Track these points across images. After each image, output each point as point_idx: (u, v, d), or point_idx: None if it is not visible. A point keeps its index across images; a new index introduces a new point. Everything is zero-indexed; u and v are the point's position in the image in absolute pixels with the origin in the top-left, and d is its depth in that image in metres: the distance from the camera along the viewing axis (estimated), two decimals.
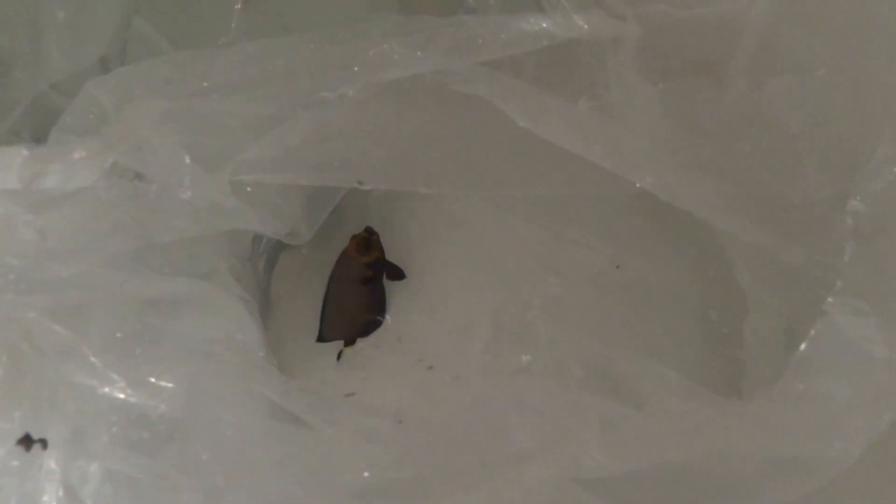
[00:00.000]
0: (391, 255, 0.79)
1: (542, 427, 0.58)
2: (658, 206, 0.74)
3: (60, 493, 0.52)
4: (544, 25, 0.64)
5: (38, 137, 0.65)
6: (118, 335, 0.59)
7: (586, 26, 0.64)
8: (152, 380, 0.56)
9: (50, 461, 0.53)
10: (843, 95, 0.61)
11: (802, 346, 0.53)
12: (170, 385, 0.58)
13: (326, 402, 0.63)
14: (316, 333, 0.80)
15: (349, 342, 0.77)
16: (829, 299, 0.51)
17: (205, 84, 0.66)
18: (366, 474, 0.57)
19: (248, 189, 0.71)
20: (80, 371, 0.55)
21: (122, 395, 0.56)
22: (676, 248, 0.78)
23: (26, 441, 0.54)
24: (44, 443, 0.54)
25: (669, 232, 0.78)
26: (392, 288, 0.80)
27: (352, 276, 0.78)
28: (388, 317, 0.77)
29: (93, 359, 0.55)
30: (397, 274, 0.79)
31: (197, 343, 0.62)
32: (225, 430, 0.60)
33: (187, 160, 0.65)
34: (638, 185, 0.65)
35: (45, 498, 0.52)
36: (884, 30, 0.60)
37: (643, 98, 0.65)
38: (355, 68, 0.65)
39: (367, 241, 0.77)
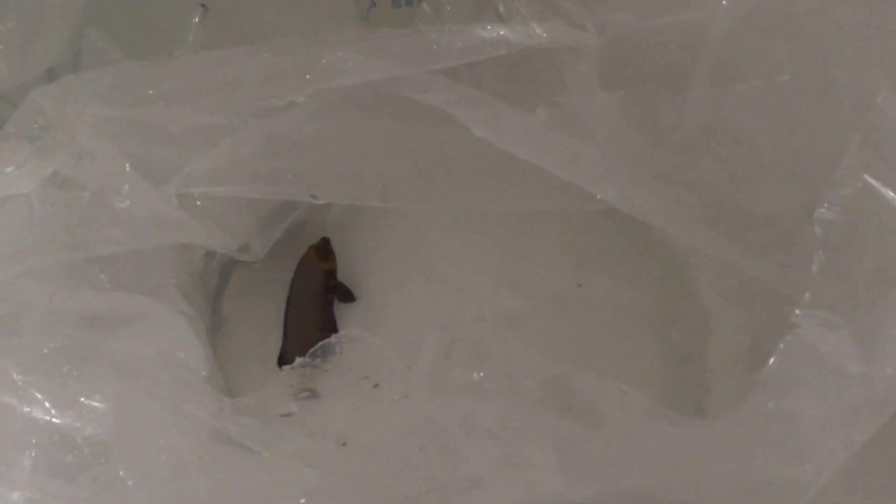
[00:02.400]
0: (346, 273, 0.75)
1: (495, 449, 0.54)
2: (622, 224, 0.73)
3: None
4: (502, 33, 0.60)
5: None
6: (45, 351, 0.55)
7: (545, 35, 0.60)
8: (81, 399, 0.52)
9: None
10: (808, 102, 0.57)
11: (771, 362, 0.49)
12: (99, 405, 0.53)
13: (264, 423, 0.58)
14: (269, 354, 0.74)
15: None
16: (798, 312, 0.47)
17: (151, 92, 0.62)
18: (302, 501, 0.51)
19: (198, 203, 0.67)
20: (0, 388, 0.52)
21: (45, 416, 0.51)
22: (639, 267, 0.74)
23: None
24: None
25: (633, 250, 0.75)
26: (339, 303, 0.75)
27: (313, 285, 0.73)
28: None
29: (15, 375, 0.51)
30: (347, 296, 0.75)
31: (133, 361, 0.57)
32: (156, 453, 0.54)
33: (127, 168, 0.61)
34: (599, 196, 0.61)
35: None
36: (846, 35, 0.56)
37: (602, 106, 0.61)
38: (307, 76, 0.61)
39: (326, 248, 0.74)
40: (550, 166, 0.60)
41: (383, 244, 0.78)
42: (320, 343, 0.65)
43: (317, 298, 0.74)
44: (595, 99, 0.61)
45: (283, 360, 0.72)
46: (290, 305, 0.74)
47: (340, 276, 0.75)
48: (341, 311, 0.75)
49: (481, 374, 0.64)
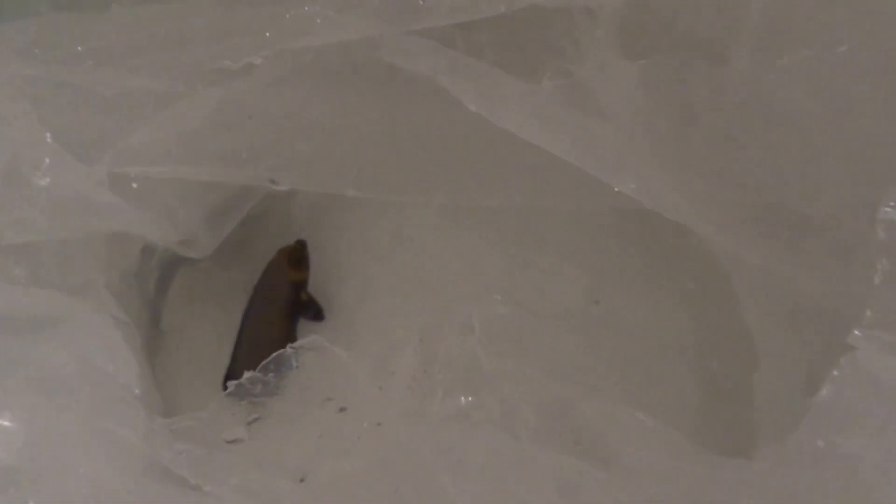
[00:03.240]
0: (313, 278, 0.76)
1: (485, 491, 0.54)
2: (647, 226, 0.74)
3: None
4: None
5: None
6: None
7: None
8: None
9: None
10: (871, 79, 0.56)
11: (822, 392, 0.48)
12: (7, 423, 0.54)
13: (206, 451, 0.57)
14: (218, 371, 0.75)
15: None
16: (856, 332, 0.47)
17: (79, 49, 0.62)
18: None
19: (134, 185, 0.67)
20: None
21: None
22: (669, 281, 0.75)
23: None
24: None
25: (661, 259, 0.75)
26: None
27: (278, 296, 0.75)
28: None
29: None
30: (316, 314, 0.76)
31: (51, 372, 0.57)
32: (75, 484, 0.54)
33: (48, 139, 0.60)
34: (617, 189, 0.61)
35: None
36: None
37: (622, 79, 0.61)
38: (267, 33, 0.61)
39: (300, 254, 0.75)
40: (560, 151, 0.60)
41: (357, 243, 0.79)
42: (274, 355, 0.65)
43: (281, 313, 0.75)
44: (614, 70, 0.61)
45: (233, 378, 0.71)
46: (248, 317, 0.75)
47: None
48: (306, 324, 0.76)
49: (469, 398, 0.64)
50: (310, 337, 0.63)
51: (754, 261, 0.64)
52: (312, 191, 0.69)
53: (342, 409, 0.64)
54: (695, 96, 0.61)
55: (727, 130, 0.62)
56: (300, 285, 0.74)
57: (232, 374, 0.73)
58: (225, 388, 0.70)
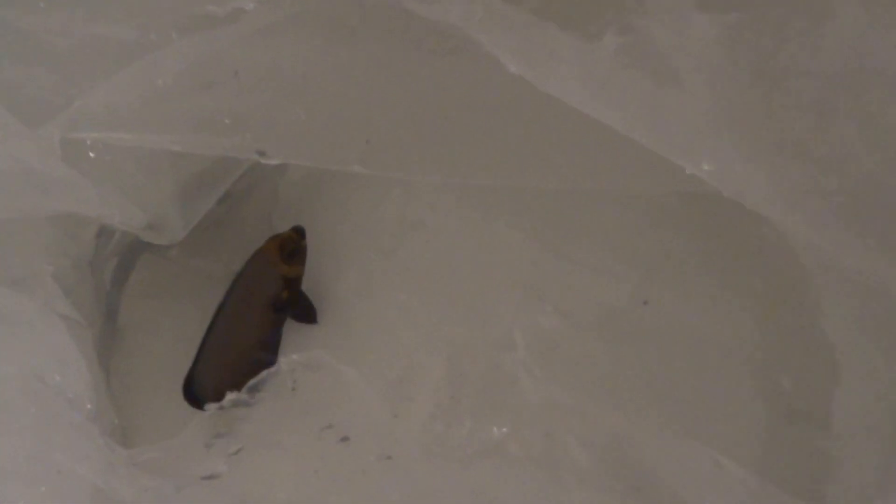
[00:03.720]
0: (306, 272, 0.75)
1: None
2: (713, 215, 0.72)
3: None
4: None
5: None
6: None
7: None
8: None
9: None
10: None
11: None
12: None
13: (175, 487, 0.56)
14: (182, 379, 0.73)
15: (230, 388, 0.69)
16: None
17: None
18: None
19: (91, 154, 0.65)
20: None
21: None
22: (734, 279, 0.73)
23: None
24: None
25: (727, 255, 0.73)
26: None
27: (263, 292, 0.73)
28: (279, 358, 0.70)
29: None
30: (307, 314, 0.75)
31: None
32: None
33: None
34: (688, 171, 0.58)
35: None
36: None
37: (700, 37, 0.57)
38: None
39: (295, 245, 0.73)
40: (617, 124, 0.57)
41: (359, 230, 0.77)
42: (262, 374, 0.63)
43: (263, 312, 0.74)
44: (688, 25, 0.58)
45: (194, 389, 0.72)
46: (221, 314, 0.73)
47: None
48: (294, 329, 0.74)
49: (504, 429, 0.62)
50: (312, 351, 0.62)
51: (846, 260, 0.61)
52: (308, 166, 0.67)
53: (344, 440, 0.62)
54: (789, 60, 0.58)
55: (826, 103, 0.59)
56: (292, 283, 0.72)
57: (193, 380, 0.72)
58: (188, 398, 0.70)
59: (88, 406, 0.62)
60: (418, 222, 0.77)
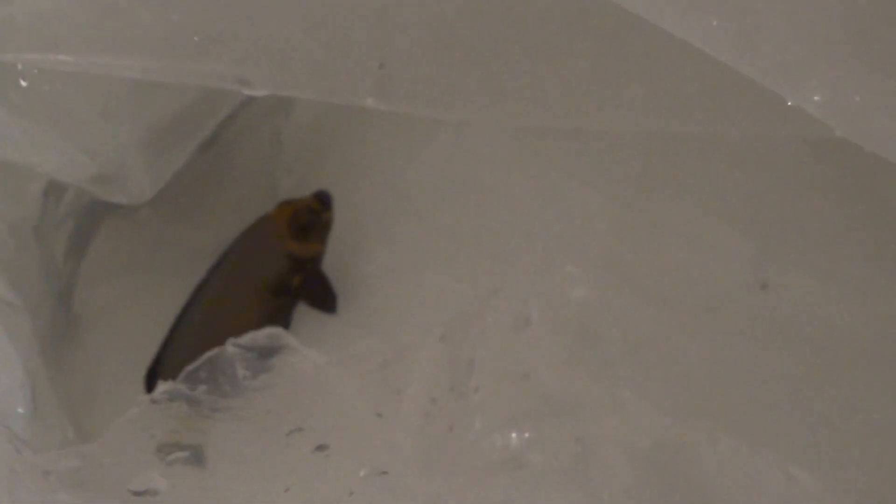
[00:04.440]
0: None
1: None
2: (851, 172, 0.70)
3: None
4: None
5: None
6: None
7: None
8: None
9: None
10: None
11: None
12: None
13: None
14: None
15: None
16: None
17: None
18: None
19: (23, 83, 0.63)
20: None
21: None
22: (880, 256, 0.70)
23: None
24: None
25: (868, 223, 0.70)
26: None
27: (262, 270, 0.72)
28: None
29: None
30: (323, 300, 0.73)
31: None
32: None
33: None
34: (790, 101, 0.52)
35: None
36: None
37: None
38: None
39: (312, 217, 0.72)
40: (701, 39, 0.51)
41: (393, 189, 0.76)
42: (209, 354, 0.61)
43: (262, 297, 0.72)
44: None
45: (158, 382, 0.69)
46: (204, 292, 0.73)
47: None
48: (304, 315, 0.73)
49: (526, 434, 0.62)
50: (266, 330, 0.60)
51: None
52: (308, 99, 0.63)
53: (321, 448, 0.60)
54: None
55: None
56: (305, 263, 0.71)
57: (159, 371, 0.71)
58: (148, 387, 0.69)
59: (19, 409, 0.62)
60: (468, 179, 0.76)
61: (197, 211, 0.75)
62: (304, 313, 0.75)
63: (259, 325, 0.69)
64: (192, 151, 0.71)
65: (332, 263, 0.74)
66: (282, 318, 0.72)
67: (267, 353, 0.61)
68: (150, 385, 0.71)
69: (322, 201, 0.71)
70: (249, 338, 0.61)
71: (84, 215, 0.75)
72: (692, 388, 0.69)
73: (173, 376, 0.68)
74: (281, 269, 0.72)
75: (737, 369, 0.69)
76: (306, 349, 0.60)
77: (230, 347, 0.60)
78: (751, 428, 0.66)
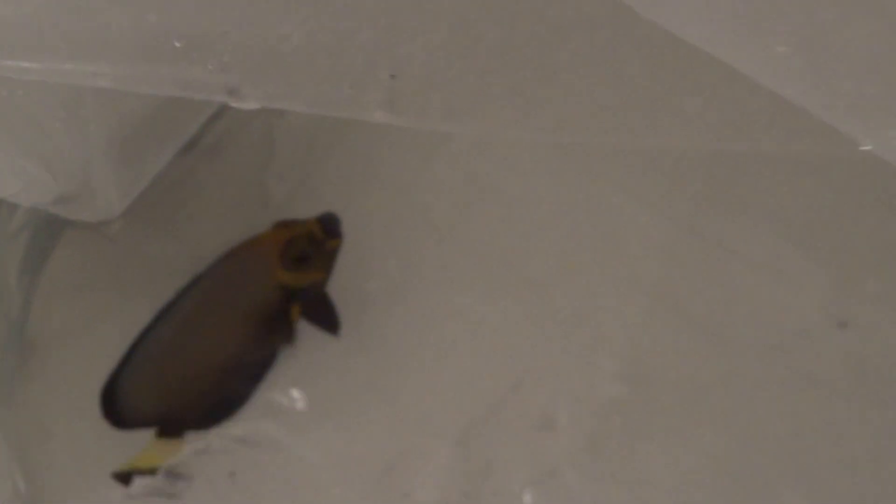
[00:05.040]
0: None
1: None
2: None
3: None
4: None
5: None
6: None
7: None
8: None
9: None
10: None
11: None
12: None
13: None
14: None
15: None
16: None
17: None
18: None
19: None
20: None
21: None
22: None
23: None
24: None
25: None
26: None
27: (249, 299, 0.72)
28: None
29: None
30: (326, 320, 0.73)
31: None
32: None
33: None
34: (862, 147, 0.52)
35: None
36: None
37: None
38: None
39: (312, 247, 0.71)
40: (772, 77, 0.51)
41: (404, 198, 0.76)
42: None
43: (246, 326, 0.72)
44: None
45: (118, 400, 0.71)
46: (178, 312, 0.73)
47: None
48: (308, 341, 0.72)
49: None
50: (256, 422, 0.62)
51: None
52: (309, 112, 0.63)
53: None
54: None
55: None
56: (300, 293, 0.71)
57: (118, 386, 0.71)
58: (108, 412, 0.69)
59: None
60: (492, 187, 0.75)
61: (172, 223, 0.75)
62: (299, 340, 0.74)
63: (239, 355, 0.72)
64: (168, 158, 0.71)
65: (333, 281, 0.74)
66: (267, 349, 0.72)
67: (256, 448, 0.62)
68: (106, 407, 0.71)
69: (327, 228, 0.70)
70: (242, 429, 0.61)
71: (41, 226, 0.75)
72: (756, 445, 0.69)
73: (135, 400, 0.71)
74: (270, 299, 0.72)
75: (810, 423, 0.70)
76: (299, 446, 0.61)
77: (216, 442, 0.60)
78: (826, 495, 0.67)
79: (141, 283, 0.75)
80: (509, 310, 0.73)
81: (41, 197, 0.68)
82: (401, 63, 0.63)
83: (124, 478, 0.70)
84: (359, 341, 0.74)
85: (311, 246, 0.71)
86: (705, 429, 0.70)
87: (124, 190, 0.70)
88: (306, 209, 0.73)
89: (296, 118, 0.77)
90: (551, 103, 0.65)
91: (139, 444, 0.71)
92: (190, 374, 0.71)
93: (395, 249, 0.75)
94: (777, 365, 0.71)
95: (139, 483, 0.63)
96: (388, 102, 0.63)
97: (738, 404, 0.70)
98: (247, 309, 0.72)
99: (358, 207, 0.75)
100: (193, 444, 0.64)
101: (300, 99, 0.64)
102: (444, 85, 0.64)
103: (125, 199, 0.70)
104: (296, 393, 0.72)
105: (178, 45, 0.61)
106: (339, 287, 0.74)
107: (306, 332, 0.74)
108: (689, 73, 0.62)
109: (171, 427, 0.71)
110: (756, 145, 0.64)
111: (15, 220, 0.73)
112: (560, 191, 0.75)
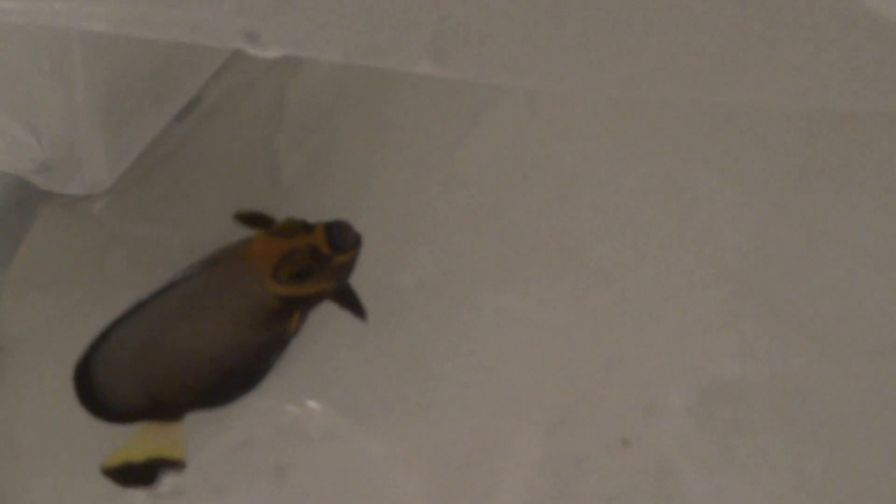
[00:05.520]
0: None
1: None
2: None
3: None
4: None
5: None
6: None
7: None
8: None
9: None
10: None
11: None
12: None
13: None
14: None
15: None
16: None
17: None
18: None
19: None
20: None
21: None
22: None
23: None
24: None
25: None
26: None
27: (245, 302, 0.70)
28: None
29: None
30: (354, 308, 0.71)
31: None
32: None
33: None
34: None
35: None
36: None
37: None
38: None
39: (313, 263, 0.68)
40: None
41: (441, 172, 0.74)
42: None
43: (244, 325, 0.71)
44: None
45: (92, 376, 0.69)
46: (167, 300, 0.71)
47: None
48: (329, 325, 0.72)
49: None
50: (311, 407, 0.65)
51: None
52: (337, 61, 0.61)
53: None
54: None
55: None
56: (289, 302, 0.69)
57: (93, 362, 0.69)
58: (81, 391, 0.67)
59: None
60: (542, 159, 0.74)
61: (164, 202, 0.74)
62: (315, 339, 0.72)
63: (243, 344, 0.71)
64: (164, 122, 0.70)
65: (357, 272, 0.71)
66: (264, 353, 0.71)
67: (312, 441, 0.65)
68: (79, 385, 0.68)
69: (335, 243, 0.67)
70: (291, 417, 0.64)
71: (14, 202, 0.74)
72: (864, 462, 0.69)
73: (109, 382, 0.69)
74: (266, 306, 0.70)
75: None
76: (363, 436, 0.63)
77: (261, 433, 0.65)
78: None
79: (123, 270, 0.74)
80: (566, 307, 0.72)
81: (24, 163, 0.66)
82: (451, 2, 0.60)
83: (118, 473, 0.68)
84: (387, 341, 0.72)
85: (314, 262, 0.68)
86: (802, 447, 0.69)
87: (114, 158, 0.69)
88: (321, 187, 0.72)
89: (312, 75, 0.75)
90: (624, 51, 0.62)
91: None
92: (177, 360, 0.69)
93: (429, 236, 0.74)
94: (887, 372, 0.70)
95: (168, 482, 0.64)
96: (435, 50, 0.61)
97: (840, 417, 0.70)
98: (236, 315, 0.70)
99: (383, 184, 0.74)
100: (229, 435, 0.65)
101: (329, 45, 0.61)
102: (502, 29, 0.61)
103: (115, 170, 0.69)
104: (354, 376, 0.71)
105: None
106: (364, 281, 0.71)
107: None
108: (793, 14, 0.59)
109: (164, 410, 0.70)
110: (875, 105, 0.62)
111: None
112: (622, 163, 0.73)
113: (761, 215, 0.71)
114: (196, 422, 0.69)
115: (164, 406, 0.70)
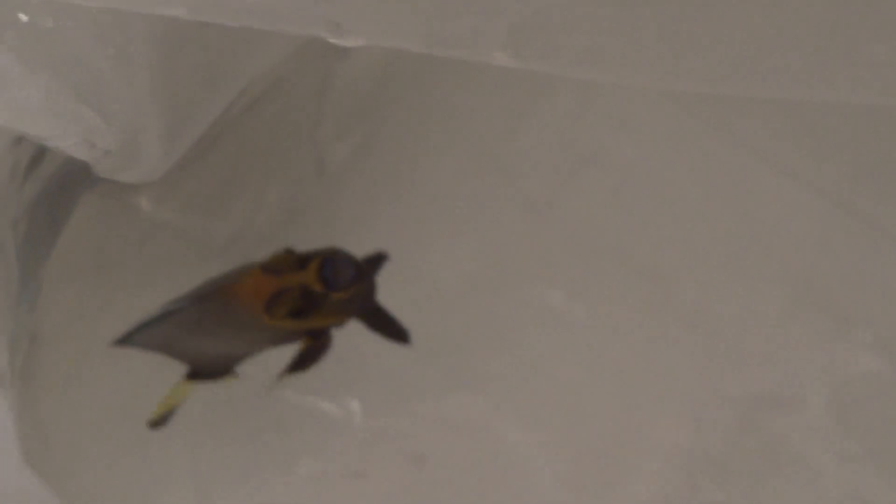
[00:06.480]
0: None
1: None
2: None
3: None
4: None
5: None
6: None
7: None
8: None
9: None
10: None
11: None
12: None
13: None
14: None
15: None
16: None
17: None
18: None
19: (22, 17, 0.60)
20: None
21: None
22: None
23: None
24: None
25: None
26: None
27: (247, 328, 0.69)
28: None
29: None
30: (392, 332, 0.69)
31: None
32: None
33: None
34: None
35: None
36: None
37: None
38: None
39: (307, 303, 0.67)
40: None
41: (491, 166, 0.73)
42: None
43: (247, 338, 0.70)
44: None
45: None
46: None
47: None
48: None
49: None
50: (458, 396, 0.66)
51: None
52: (412, 51, 0.56)
53: None
54: None
55: None
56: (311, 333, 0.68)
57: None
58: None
59: None
60: (598, 151, 0.74)
61: (206, 191, 0.73)
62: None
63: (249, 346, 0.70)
64: (219, 110, 0.70)
65: (393, 269, 0.70)
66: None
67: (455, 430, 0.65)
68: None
69: (328, 282, 0.66)
70: (438, 406, 0.65)
71: (55, 189, 0.72)
72: None
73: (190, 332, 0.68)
74: (260, 327, 0.69)
75: None
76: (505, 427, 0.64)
77: (405, 422, 0.66)
78: None
79: (163, 262, 0.73)
80: (618, 309, 0.71)
81: (95, 151, 0.66)
82: None
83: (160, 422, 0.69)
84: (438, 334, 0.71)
85: (307, 301, 0.66)
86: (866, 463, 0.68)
87: (171, 145, 0.69)
88: (365, 179, 0.71)
89: (360, 62, 0.75)
90: (708, 46, 0.58)
91: None
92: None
93: (478, 231, 0.73)
94: None
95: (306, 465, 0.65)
96: (513, 42, 0.59)
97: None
98: (245, 332, 0.69)
99: (430, 176, 0.74)
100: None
101: (409, 36, 0.60)
102: (582, 20, 0.58)
103: (169, 157, 0.69)
104: (494, 362, 0.70)
105: None
106: (404, 279, 0.71)
107: None
108: (877, 13, 0.55)
109: (203, 372, 0.70)
110: None
111: (34, 176, 0.71)
112: (684, 158, 0.73)
113: (820, 214, 0.71)
114: (335, 408, 0.69)
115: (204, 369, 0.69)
